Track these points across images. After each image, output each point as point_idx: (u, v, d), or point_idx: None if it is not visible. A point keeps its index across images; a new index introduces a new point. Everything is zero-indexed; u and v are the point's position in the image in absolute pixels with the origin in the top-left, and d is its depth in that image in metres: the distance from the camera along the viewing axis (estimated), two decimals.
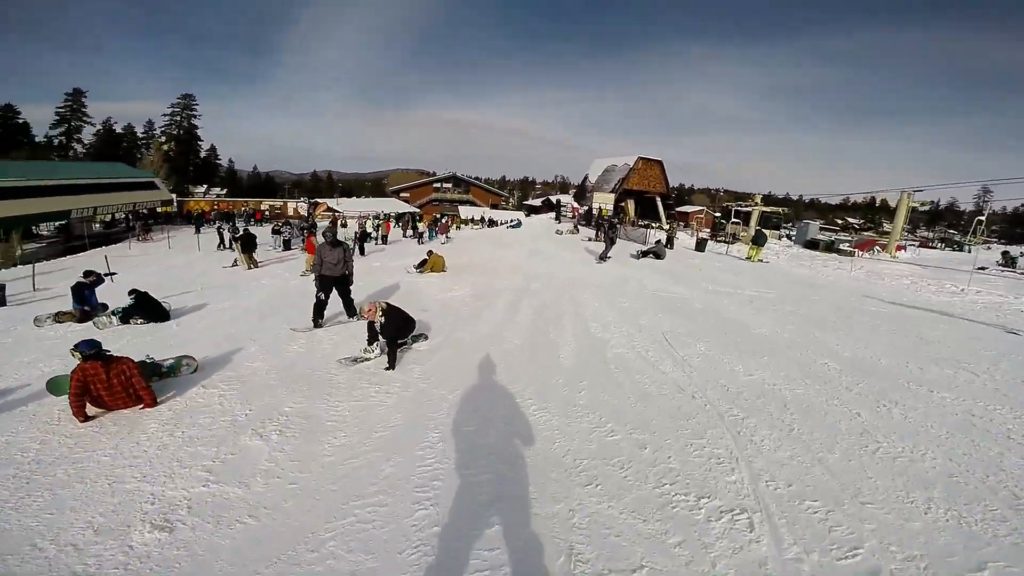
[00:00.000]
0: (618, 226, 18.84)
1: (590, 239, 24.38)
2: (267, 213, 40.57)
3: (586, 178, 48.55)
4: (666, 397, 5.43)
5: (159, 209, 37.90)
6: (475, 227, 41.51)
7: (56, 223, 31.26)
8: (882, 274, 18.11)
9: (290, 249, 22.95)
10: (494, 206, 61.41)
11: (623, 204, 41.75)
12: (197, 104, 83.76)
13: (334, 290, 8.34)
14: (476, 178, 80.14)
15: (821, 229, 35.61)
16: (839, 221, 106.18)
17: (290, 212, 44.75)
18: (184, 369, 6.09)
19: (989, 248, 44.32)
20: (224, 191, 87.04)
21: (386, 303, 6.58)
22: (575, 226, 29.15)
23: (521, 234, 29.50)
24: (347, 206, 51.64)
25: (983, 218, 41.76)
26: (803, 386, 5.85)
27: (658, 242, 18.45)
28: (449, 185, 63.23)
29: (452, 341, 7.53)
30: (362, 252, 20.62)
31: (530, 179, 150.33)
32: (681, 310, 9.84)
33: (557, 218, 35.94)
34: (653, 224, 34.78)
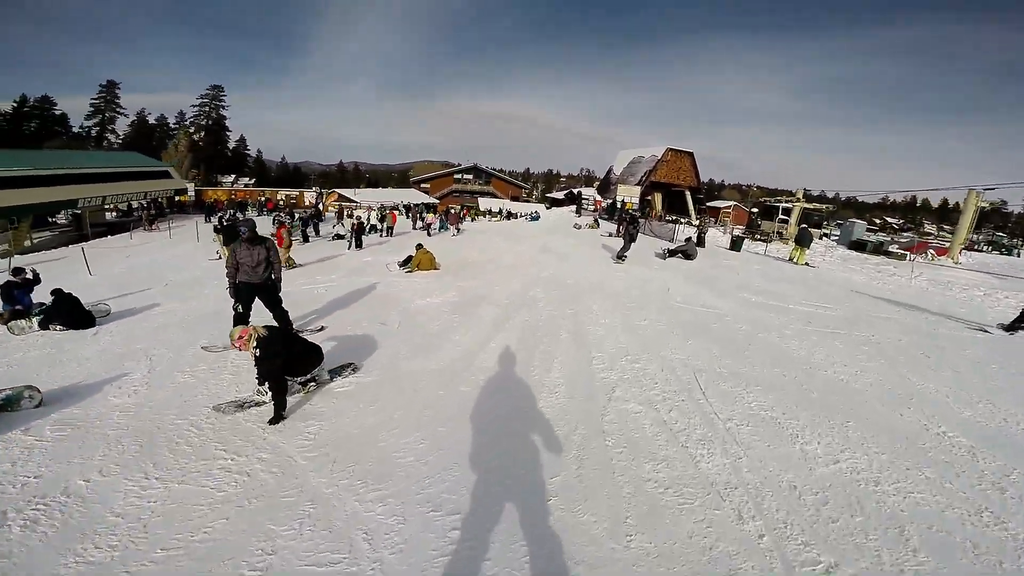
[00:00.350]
0: (640, 221, 16.32)
1: (611, 234, 21.94)
2: (281, 203, 39.36)
3: (610, 170, 45.68)
4: (694, 517, 3.20)
5: (177, 198, 37.10)
6: (493, 219, 39.37)
7: (71, 211, 30.69)
8: (948, 283, 15.15)
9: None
10: (515, 198, 59.15)
11: (649, 198, 38.90)
12: (225, 95, 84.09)
13: (258, 301, 6.38)
14: (499, 170, 77.99)
15: (867, 229, 32.10)
16: (877, 221, 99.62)
17: (306, 202, 43.53)
18: (25, 402, 4.71)
19: None
20: (252, 181, 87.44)
21: (266, 327, 4.51)
22: (595, 220, 26.67)
23: (538, 227, 27.24)
24: (366, 196, 50.30)
25: None
26: (923, 485, 3.54)
27: (688, 240, 15.97)
28: (470, 176, 61.18)
29: (392, 377, 5.44)
30: (359, 245, 18.81)
31: (555, 172, 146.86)
32: (720, 334, 7.48)
33: (577, 211, 33.46)
34: (682, 219, 32.00)
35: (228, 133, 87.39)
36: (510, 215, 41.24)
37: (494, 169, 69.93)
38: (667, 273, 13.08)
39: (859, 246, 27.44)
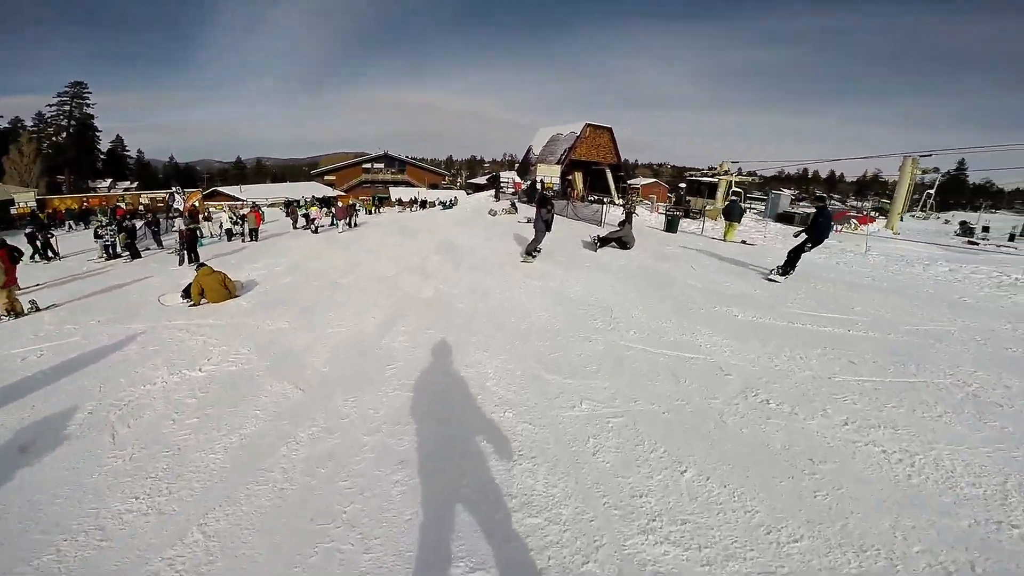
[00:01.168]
0: (553, 202, 12.43)
1: (529, 219, 18.11)
2: (140, 208, 31.79)
3: (529, 150, 42.03)
4: None
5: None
6: (400, 209, 34.41)
7: None
8: (904, 257, 12.88)
9: (116, 257, 15.68)
10: (434, 186, 54.03)
11: (570, 177, 35.69)
12: (90, 92, 70.71)
13: None
14: (417, 158, 72.00)
15: (793, 201, 30.86)
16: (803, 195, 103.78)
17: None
18: None
19: (939, 219, 41.78)
20: (135, 184, 74.93)
21: None
22: (512, 204, 22.82)
23: (449, 217, 22.94)
24: (254, 193, 43.09)
25: (932, 191, 38.64)
26: None
27: (622, 224, 12.52)
28: (381, 165, 55.15)
29: None
30: (190, 259, 13.64)
31: (478, 158, 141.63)
32: (770, 463, 3.80)
33: (496, 196, 29.42)
34: (604, 198, 29.09)
35: (98, 134, 74.00)
36: (424, 204, 36.44)
37: (411, 157, 64.05)
38: (601, 276, 9.40)
39: (786, 218, 25.83)
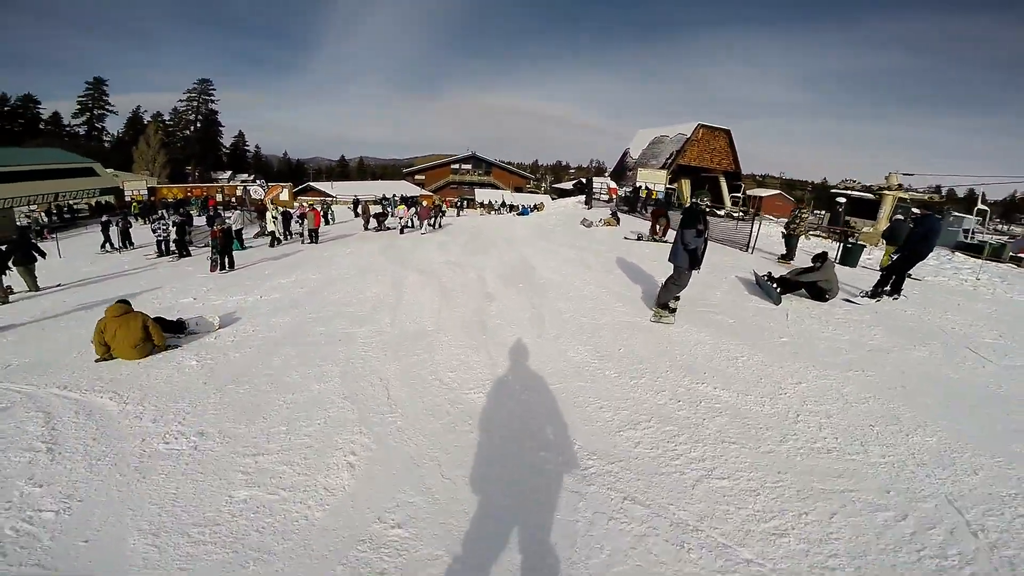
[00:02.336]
0: (708, 220, 7.47)
1: (641, 237, 13.37)
2: (232, 200, 31.48)
3: (626, 153, 36.76)
4: None
5: (104, 200, 29.25)
6: (483, 212, 30.98)
7: None
8: None
9: (168, 253, 13.56)
10: (518, 189, 50.51)
11: (675, 185, 30.02)
12: (214, 89, 76.40)
13: None
14: (503, 161, 69.11)
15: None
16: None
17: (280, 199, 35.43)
18: None
19: None
20: (252, 177, 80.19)
21: None
22: (614, 214, 18.03)
23: (528, 225, 18.82)
24: (345, 190, 42.22)
25: None
26: None
27: (819, 260, 7.38)
28: (468, 166, 52.66)
29: None
30: (223, 265, 10.89)
31: (564, 163, 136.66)
32: None
33: (587, 202, 24.70)
34: (718, 210, 23.28)
35: (221, 128, 80.00)
36: (511, 208, 32.79)
37: (499, 160, 61.25)
38: (818, 372, 4.67)
39: (974, 248, 18.52)
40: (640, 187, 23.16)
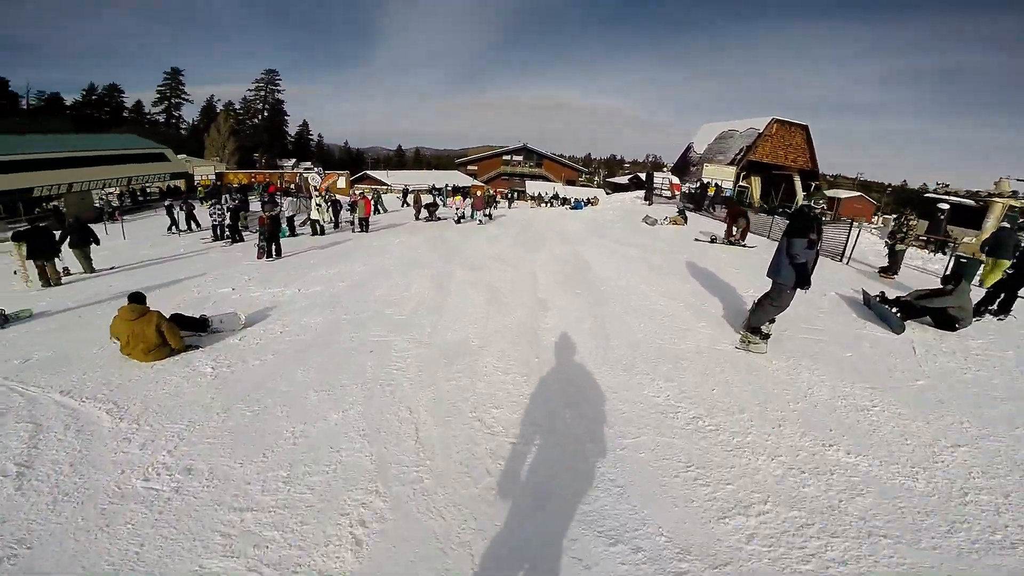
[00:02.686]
0: (821, 225, 6.09)
1: (714, 239, 11.89)
2: (292, 187, 32.23)
3: (690, 148, 34.33)
4: None
5: (173, 184, 30.79)
6: (533, 205, 29.96)
7: (51, 203, 25.14)
8: None
9: (222, 238, 13.56)
10: (571, 182, 48.94)
11: (744, 183, 27.61)
12: (280, 79, 79.68)
13: None
14: (555, 154, 67.55)
15: None
16: None
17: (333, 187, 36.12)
18: None
19: None
20: (311, 166, 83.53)
21: None
22: (681, 212, 16.33)
23: (582, 221, 17.62)
24: (398, 179, 42.57)
25: None
26: None
27: (951, 280, 5.89)
28: (520, 158, 51.62)
29: None
30: (269, 252, 10.66)
31: (618, 157, 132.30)
32: None
33: (647, 198, 22.96)
34: (787, 208, 20.92)
35: (286, 117, 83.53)
36: (564, 201, 31.62)
37: (551, 152, 59.82)
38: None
39: None
40: (708, 183, 21.24)
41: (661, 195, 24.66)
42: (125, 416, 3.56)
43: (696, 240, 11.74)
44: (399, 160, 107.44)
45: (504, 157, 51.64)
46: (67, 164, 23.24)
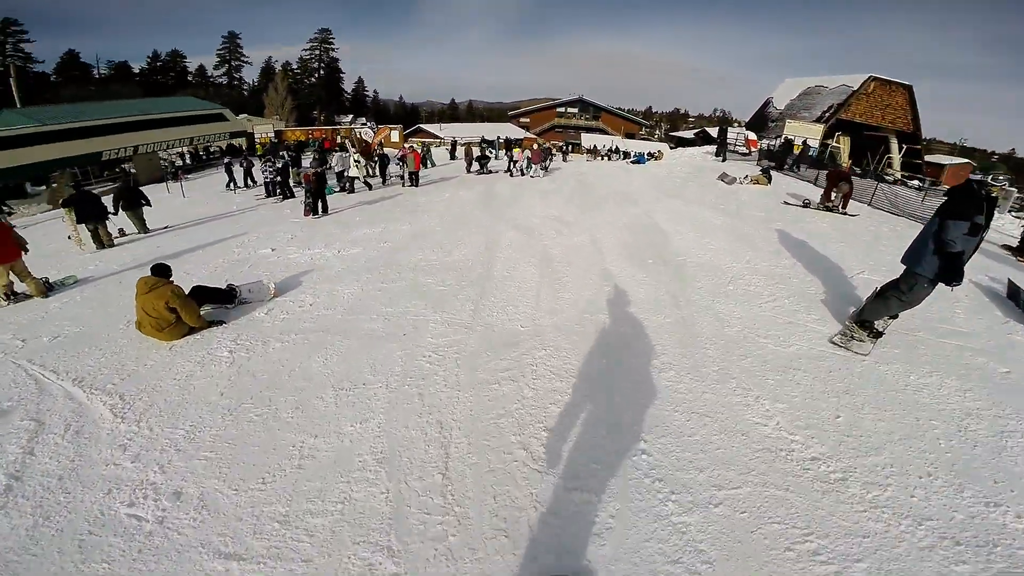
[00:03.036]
0: (993, 208, 4.52)
1: (806, 204, 10.08)
2: (347, 141, 32.00)
3: (768, 103, 30.44)
4: None
5: (234, 142, 31.42)
6: (589, 159, 28.13)
7: (122, 166, 26.56)
8: None
9: (274, 194, 13.39)
10: (629, 135, 45.83)
11: (834, 142, 24.15)
12: (334, 38, 78.91)
13: None
14: (614, 106, 63.19)
15: None
16: None
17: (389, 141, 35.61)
18: None
19: None
20: (366, 121, 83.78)
21: None
22: (765, 171, 14.20)
23: (644, 176, 16.01)
24: (451, 132, 41.47)
25: None
26: None
27: None
28: (575, 110, 48.64)
29: None
30: (316, 209, 10.33)
31: (682, 111, 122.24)
32: None
33: (720, 154, 20.43)
34: (886, 175, 17.96)
35: (342, 75, 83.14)
36: (625, 155, 29.40)
37: (610, 105, 55.94)
38: None
39: None
40: (793, 140, 18.63)
41: (736, 151, 22.08)
42: (128, 415, 3.15)
43: (785, 203, 10.08)
44: (452, 113, 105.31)
45: (558, 109, 48.92)
46: (131, 128, 24.14)
